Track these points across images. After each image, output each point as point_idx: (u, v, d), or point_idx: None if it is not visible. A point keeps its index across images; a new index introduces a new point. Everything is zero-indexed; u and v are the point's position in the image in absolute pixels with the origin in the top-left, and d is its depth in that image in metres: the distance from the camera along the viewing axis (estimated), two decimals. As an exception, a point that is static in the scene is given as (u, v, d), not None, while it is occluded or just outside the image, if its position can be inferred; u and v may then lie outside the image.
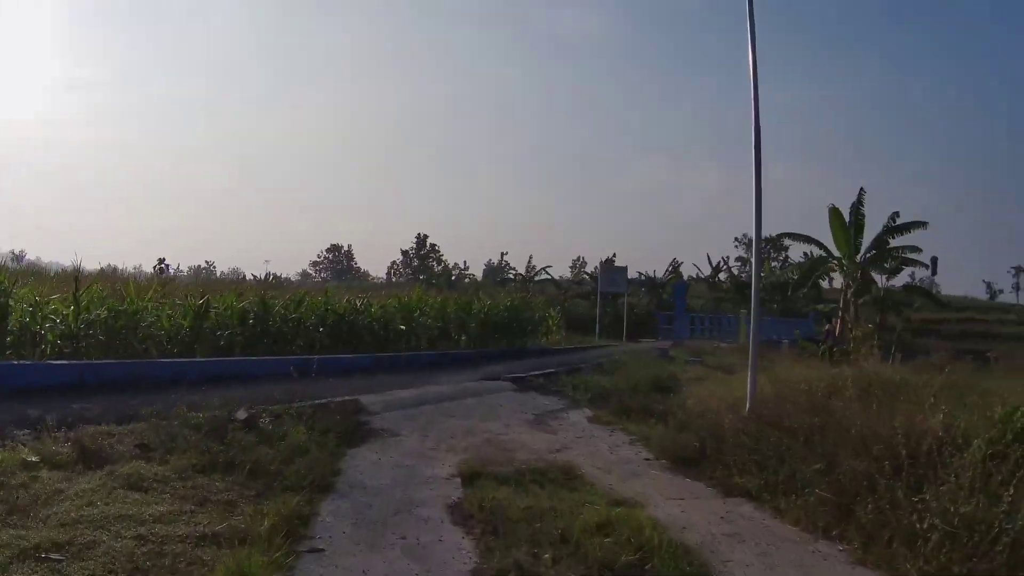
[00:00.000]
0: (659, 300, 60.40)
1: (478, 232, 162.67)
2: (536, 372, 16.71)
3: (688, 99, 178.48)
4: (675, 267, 63.81)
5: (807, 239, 33.05)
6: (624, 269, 34.50)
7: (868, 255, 30.39)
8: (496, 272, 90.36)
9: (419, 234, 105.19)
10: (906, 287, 32.92)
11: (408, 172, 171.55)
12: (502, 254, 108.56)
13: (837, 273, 32.33)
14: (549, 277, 69.79)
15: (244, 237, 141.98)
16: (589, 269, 72.68)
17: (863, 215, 29.33)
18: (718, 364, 21.42)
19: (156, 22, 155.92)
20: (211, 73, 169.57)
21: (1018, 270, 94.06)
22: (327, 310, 17.25)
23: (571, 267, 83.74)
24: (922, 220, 29.85)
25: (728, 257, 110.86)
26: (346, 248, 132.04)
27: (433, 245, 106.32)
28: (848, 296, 32.90)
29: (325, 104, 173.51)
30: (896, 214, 29.49)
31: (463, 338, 21.75)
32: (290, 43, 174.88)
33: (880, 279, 33.13)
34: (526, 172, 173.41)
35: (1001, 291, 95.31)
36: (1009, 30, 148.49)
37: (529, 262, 72.74)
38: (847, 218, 29.28)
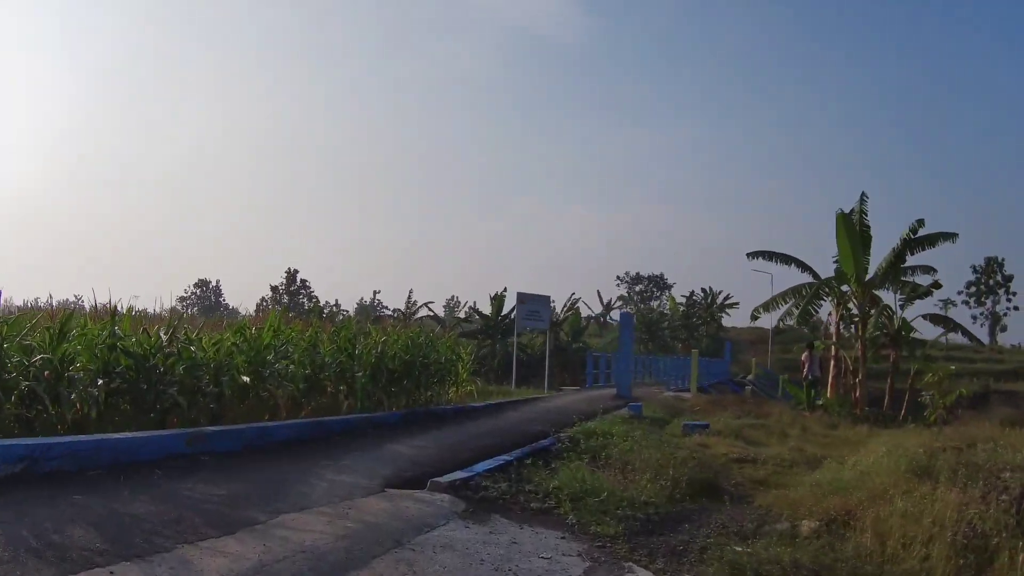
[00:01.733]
0: (556, 341, 54.24)
1: (349, 270, 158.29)
2: (483, 464, 9.26)
3: (558, 140, 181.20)
4: (572, 303, 57.43)
5: (787, 258, 26.85)
6: (547, 299, 27.51)
7: (879, 274, 24.19)
8: (369, 311, 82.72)
9: (289, 268, 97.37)
10: (933, 316, 26.61)
11: (279, 206, 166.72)
12: (375, 292, 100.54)
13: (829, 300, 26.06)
14: (432, 314, 62.63)
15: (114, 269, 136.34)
16: (462, 309, 65.67)
17: (868, 226, 23.19)
18: (729, 429, 14.79)
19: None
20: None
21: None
22: (114, 349, 9.40)
23: (445, 306, 75.94)
24: (950, 231, 23.95)
25: (613, 297, 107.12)
26: (214, 283, 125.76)
27: (304, 281, 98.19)
28: (839, 327, 26.95)
29: (194, 131, 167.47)
30: (920, 222, 23.21)
31: (343, 393, 14.19)
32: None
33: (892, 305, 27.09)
34: (394, 209, 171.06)
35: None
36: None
37: (409, 297, 65.25)
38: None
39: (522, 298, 25.44)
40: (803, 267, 26.35)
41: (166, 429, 9.24)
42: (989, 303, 76.99)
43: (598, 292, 70.53)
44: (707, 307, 74.49)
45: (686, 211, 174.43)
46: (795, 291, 25.39)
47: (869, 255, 23.67)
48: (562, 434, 12.37)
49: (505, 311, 58.00)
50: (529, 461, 9.63)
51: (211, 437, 8.97)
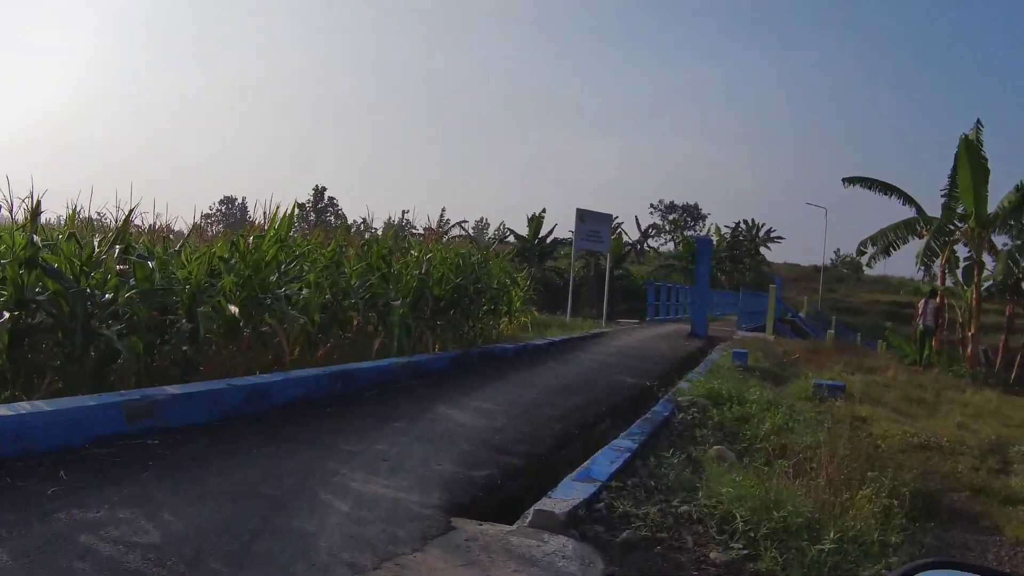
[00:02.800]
0: (596, 268, 50.97)
1: (379, 192, 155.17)
2: (601, 461, 5.69)
3: (583, 73, 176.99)
4: (616, 227, 53.66)
5: (888, 187, 22.97)
6: (609, 217, 23.85)
7: (1001, 214, 20.29)
8: (398, 230, 79.01)
9: (317, 186, 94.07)
10: None
11: (309, 126, 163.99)
12: (403, 211, 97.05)
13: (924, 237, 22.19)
14: (465, 233, 59.10)
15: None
16: (493, 231, 61.87)
17: (986, 158, 19.29)
18: (866, 394, 11.36)
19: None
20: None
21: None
22: (34, 266, 5.97)
23: (474, 228, 71.82)
24: None
25: (656, 224, 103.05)
26: (240, 200, 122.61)
27: (332, 198, 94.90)
28: (944, 272, 23.17)
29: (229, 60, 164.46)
30: None
31: (373, 326, 10.80)
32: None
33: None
34: (425, 132, 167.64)
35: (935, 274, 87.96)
36: None
37: (441, 216, 61.63)
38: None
39: (582, 215, 21.89)
40: (907, 199, 22.54)
41: (104, 392, 5.83)
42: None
43: (636, 219, 66.45)
44: (751, 240, 70.11)
45: (723, 146, 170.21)
46: (907, 225, 21.42)
47: (987, 190, 19.82)
48: (674, 395, 8.90)
49: (542, 233, 54.61)
50: (658, 449, 6.24)
51: (165, 406, 5.59)
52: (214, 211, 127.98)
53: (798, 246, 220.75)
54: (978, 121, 20.18)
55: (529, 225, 54.49)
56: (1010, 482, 7.13)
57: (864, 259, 23.63)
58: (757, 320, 31.60)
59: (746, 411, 8.00)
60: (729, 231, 67.58)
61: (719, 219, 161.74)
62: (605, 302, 24.79)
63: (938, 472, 7.08)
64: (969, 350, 20.57)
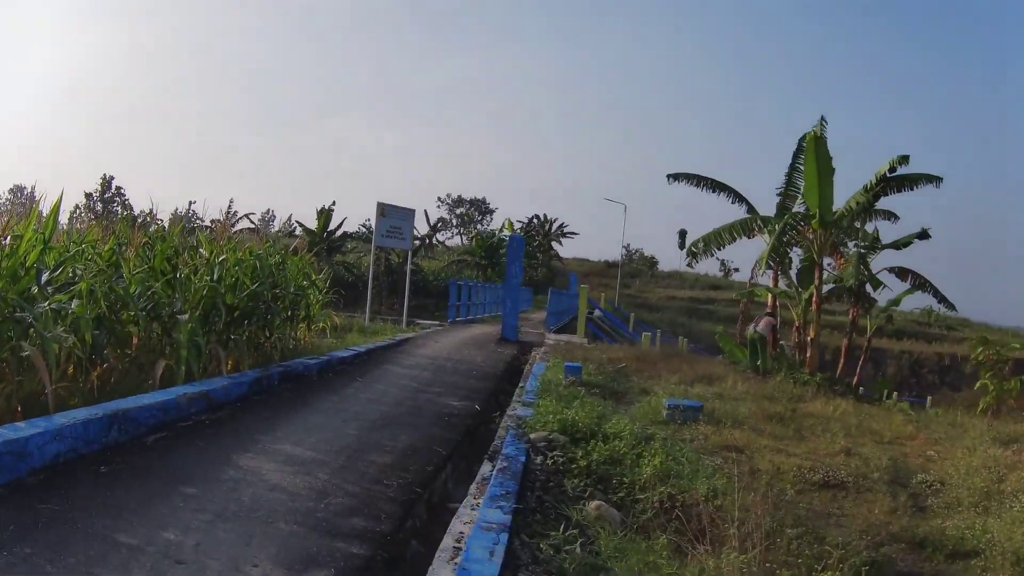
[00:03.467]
0: (386, 263, 49.80)
1: (169, 182, 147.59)
2: (475, 546, 4.47)
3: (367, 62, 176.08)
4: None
5: (718, 185, 22.67)
6: (412, 213, 22.53)
7: (847, 214, 20.07)
8: (184, 222, 73.00)
9: (104, 175, 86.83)
10: (900, 271, 22.53)
11: (99, 110, 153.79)
12: (190, 202, 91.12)
13: (762, 235, 21.78)
14: (252, 226, 56.17)
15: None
16: (280, 224, 59.07)
17: (830, 156, 19.15)
18: (722, 412, 10.74)
19: None
20: None
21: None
22: None
23: (260, 220, 68.20)
24: (934, 173, 19.91)
25: (444, 218, 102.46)
26: (29, 189, 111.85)
27: (119, 188, 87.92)
28: (777, 274, 23.13)
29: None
30: (904, 159, 19.11)
31: (158, 344, 9.06)
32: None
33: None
34: (210, 118, 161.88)
35: (737, 269, 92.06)
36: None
37: (229, 207, 58.16)
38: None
39: (382, 210, 20.52)
40: (737, 197, 22.38)
41: None
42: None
43: (425, 213, 65.48)
44: (545, 234, 70.78)
45: (511, 140, 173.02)
46: (743, 226, 21.01)
47: (831, 190, 19.77)
48: (521, 429, 7.80)
49: (332, 226, 52.70)
50: (531, 516, 5.13)
51: None
52: (2, 200, 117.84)
53: (589, 242, 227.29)
54: (822, 118, 20.01)
55: (318, 218, 52.37)
56: (940, 525, 6.33)
57: (691, 260, 22.92)
58: (561, 319, 31.31)
59: (614, 449, 6.98)
60: (522, 226, 67.79)
61: (507, 214, 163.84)
62: (406, 303, 23.58)
63: (856, 520, 6.23)
64: (808, 355, 20.47)
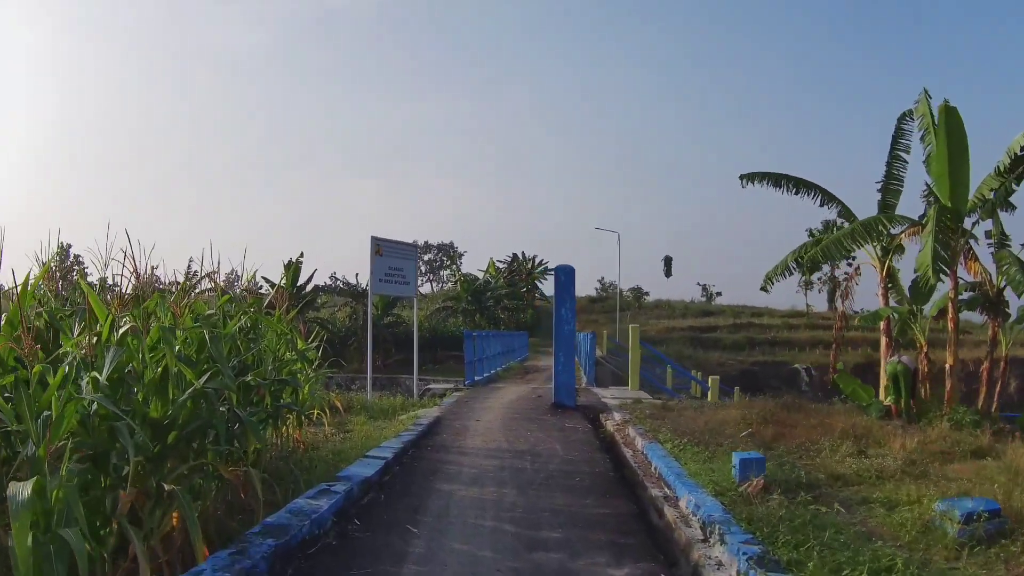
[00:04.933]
0: (364, 314, 44.75)
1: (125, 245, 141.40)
2: None
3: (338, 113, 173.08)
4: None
5: (800, 183, 17.89)
6: (414, 250, 17.41)
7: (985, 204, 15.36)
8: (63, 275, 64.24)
9: (61, 243, 79.99)
10: None
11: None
12: (65, 245, 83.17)
13: (872, 245, 17.05)
14: (212, 285, 50.44)
15: None
16: (243, 283, 53.46)
17: (964, 132, 14.49)
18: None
19: None
20: None
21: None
22: None
23: (224, 281, 61.74)
24: None
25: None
26: None
27: (78, 256, 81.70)
28: (886, 287, 18.07)
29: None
30: None
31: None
32: None
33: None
34: (166, 182, 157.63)
35: (719, 293, 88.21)
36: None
37: (189, 267, 52.13)
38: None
39: (379, 247, 15.44)
40: (827, 197, 17.66)
41: None
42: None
43: None
44: (527, 273, 65.62)
45: (475, 183, 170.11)
46: (867, 230, 15.79)
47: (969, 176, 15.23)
48: None
49: (301, 280, 47.44)
50: None
51: None
52: None
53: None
54: (925, 91, 15.74)
55: (286, 272, 47.07)
56: None
57: (767, 285, 18.35)
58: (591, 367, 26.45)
59: None
60: (505, 265, 62.74)
61: (475, 258, 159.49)
62: (416, 366, 18.42)
63: None
64: (948, 387, 15.38)
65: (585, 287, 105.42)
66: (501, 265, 61.32)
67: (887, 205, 17.58)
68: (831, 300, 71.21)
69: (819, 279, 68.64)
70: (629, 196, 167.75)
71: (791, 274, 18.46)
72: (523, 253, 66.69)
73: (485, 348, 22.99)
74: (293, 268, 46.01)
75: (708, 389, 18.28)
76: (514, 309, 57.94)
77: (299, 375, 9.77)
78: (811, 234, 68.17)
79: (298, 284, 46.89)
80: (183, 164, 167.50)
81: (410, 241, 16.88)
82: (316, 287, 48.51)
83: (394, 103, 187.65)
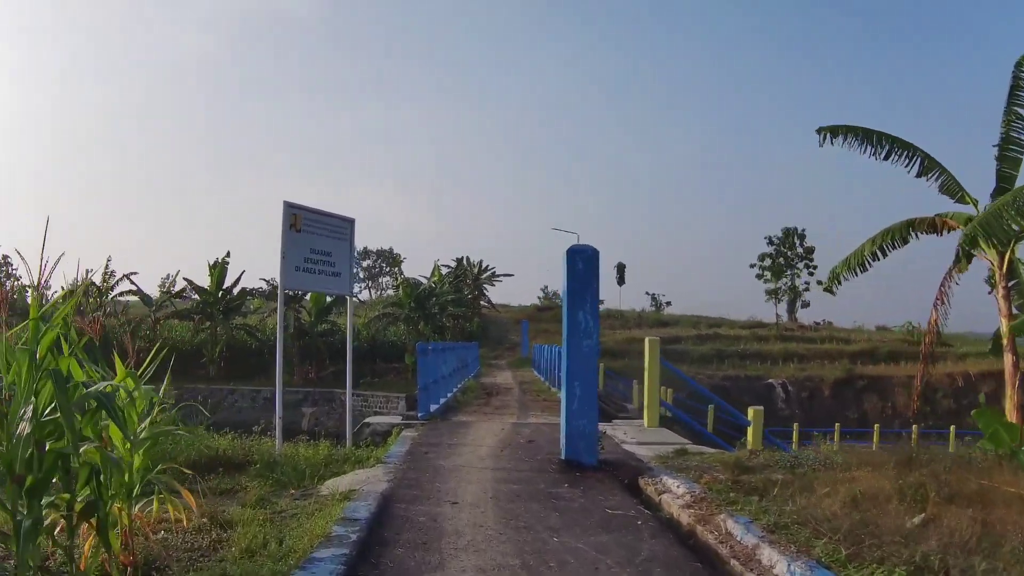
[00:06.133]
0: (296, 323, 39.50)
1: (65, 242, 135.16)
2: None
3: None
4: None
5: (898, 144, 13.45)
6: (348, 225, 11.76)
7: None
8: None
9: None
10: None
11: None
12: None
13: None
14: (134, 288, 44.83)
15: None
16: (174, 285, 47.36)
17: None
18: None
19: None
20: None
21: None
22: None
23: (160, 286, 53.47)
24: None
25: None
26: None
27: (6, 256, 74.44)
28: (1008, 291, 13.37)
29: None
30: None
31: None
32: None
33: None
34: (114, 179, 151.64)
35: (669, 303, 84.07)
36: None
37: (107, 266, 46.23)
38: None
39: (294, 215, 10.01)
40: (929, 165, 13.27)
41: None
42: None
43: None
44: (474, 278, 60.02)
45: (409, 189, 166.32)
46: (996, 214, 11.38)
47: None
48: None
49: (228, 283, 42.02)
50: None
51: None
52: None
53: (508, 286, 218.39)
54: None
55: (211, 273, 41.56)
56: None
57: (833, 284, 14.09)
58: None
59: None
60: (451, 271, 57.30)
61: (414, 265, 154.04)
62: (349, 401, 13.13)
63: None
64: None
65: (528, 296, 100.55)
66: (446, 270, 55.75)
67: (1004, 175, 13.07)
68: (791, 310, 67.48)
69: (779, 289, 64.76)
70: (576, 203, 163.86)
71: (864, 270, 14.11)
72: (467, 258, 61.25)
73: (440, 366, 17.76)
74: (218, 268, 40.64)
75: (749, 424, 13.39)
76: (460, 317, 52.69)
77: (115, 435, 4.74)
78: (770, 241, 65.33)
79: (224, 287, 41.51)
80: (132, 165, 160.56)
81: (344, 215, 11.54)
82: (244, 290, 43.14)
83: (337, 109, 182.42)
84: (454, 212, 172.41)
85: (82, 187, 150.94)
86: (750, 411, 13.95)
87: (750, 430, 13.75)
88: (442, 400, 17.24)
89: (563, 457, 9.80)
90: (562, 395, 10.10)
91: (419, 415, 14.45)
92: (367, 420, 13.96)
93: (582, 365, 9.77)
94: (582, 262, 9.81)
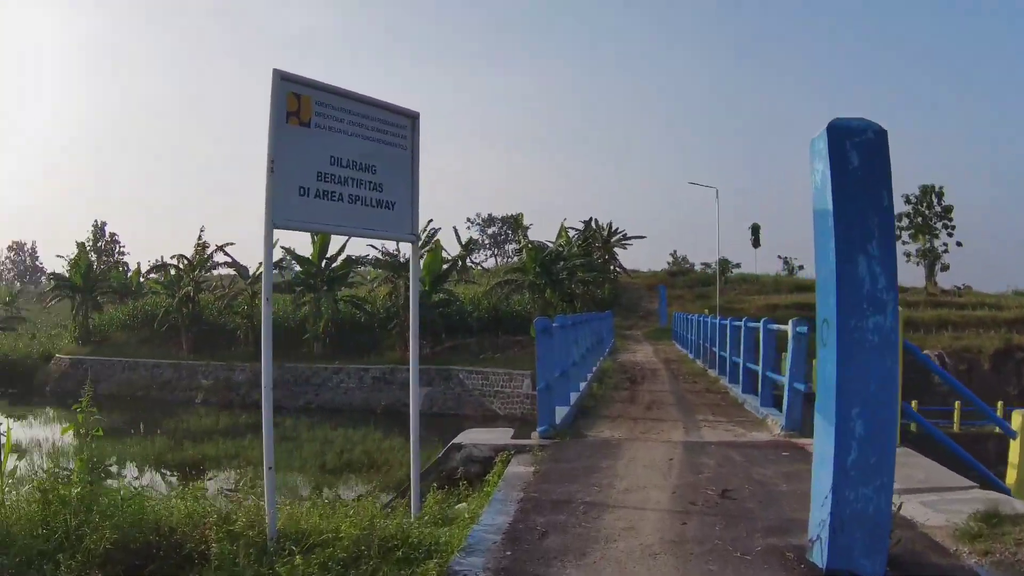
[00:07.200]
0: (406, 290, 35.26)
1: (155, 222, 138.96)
2: None
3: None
4: (430, 236, 37.05)
5: None
6: (411, 122, 6.88)
7: None
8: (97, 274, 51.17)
9: (96, 221, 73.59)
10: None
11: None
12: (98, 223, 73.29)
13: None
14: (229, 260, 41.95)
15: None
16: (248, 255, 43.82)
17: None
18: None
19: None
20: None
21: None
22: None
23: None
24: None
25: (475, 239, 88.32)
26: (30, 245, 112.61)
27: (113, 235, 74.30)
28: None
29: None
30: None
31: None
32: None
33: None
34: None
35: (801, 267, 76.67)
36: None
37: (200, 238, 43.62)
38: None
39: (294, 99, 5.42)
40: None
41: None
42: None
43: (455, 230, 48.58)
44: (604, 242, 54.31)
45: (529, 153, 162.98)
46: None
47: None
48: None
49: (332, 252, 38.39)
50: None
51: None
52: (3, 259, 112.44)
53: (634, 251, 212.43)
54: None
55: (314, 244, 37.96)
56: None
57: None
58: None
59: None
60: (579, 233, 52.01)
61: (537, 232, 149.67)
62: (414, 404, 8.33)
63: None
64: None
65: (656, 261, 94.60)
66: (573, 233, 50.43)
67: None
68: (929, 274, 59.72)
69: (918, 251, 57.33)
70: (706, 161, 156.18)
71: None
72: (595, 220, 55.57)
73: (569, 349, 12.74)
74: (322, 236, 36.77)
75: (1014, 435, 8.09)
76: (590, 283, 47.48)
77: None
78: (907, 200, 57.93)
79: (327, 256, 37.90)
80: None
81: (397, 105, 6.58)
82: (349, 258, 39.51)
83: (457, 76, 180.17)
84: (579, 175, 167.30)
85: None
86: (1016, 416, 8.60)
87: (1016, 447, 8.46)
88: (572, 396, 12.21)
89: (820, 564, 4.67)
90: (819, 430, 4.89)
91: (538, 429, 9.45)
92: (459, 440, 9.07)
93: (867, 371, 4.57)
94: (858, 154, 4.60)
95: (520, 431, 10.31)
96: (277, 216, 5.51)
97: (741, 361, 14.25)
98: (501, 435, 9.64)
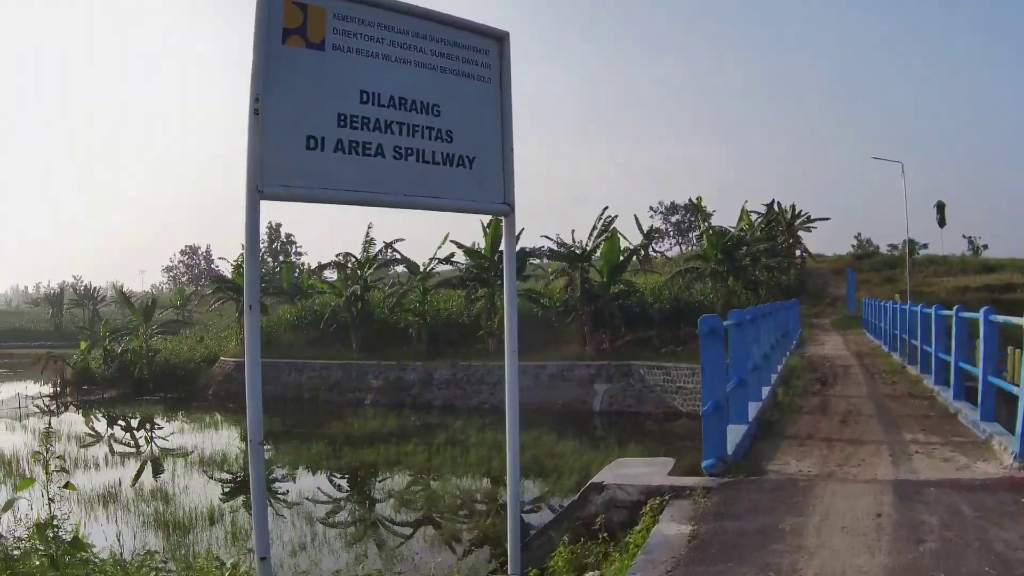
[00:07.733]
0: (584, 282, 34.39)
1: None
2: None
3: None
4: (607, 224, 34.91)
5: None
6: (499, 45, 5.14)
7: None
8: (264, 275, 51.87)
9: (270, 222, 76.92)
10: None
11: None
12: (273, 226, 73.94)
13: None
14: (398, 256, 41.33)
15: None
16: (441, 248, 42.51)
17: None
18: None
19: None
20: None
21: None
22: None
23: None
24: None
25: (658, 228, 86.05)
26: (204, 249, 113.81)
27: (290, 236, 77.16)
28: None
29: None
30: None
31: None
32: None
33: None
34: None
35: (986, 246, 71.44)
36: None
37: (367, 235, 42.93)
38: None
39: (293, 7, 3.90)
40: None
41: None
42: None
43: (636, 218, 45.84)
44: (788, 226, 50.11)
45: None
46: None
47: None
48: None
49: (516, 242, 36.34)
50: None
51: None
52: (176, 263, 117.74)
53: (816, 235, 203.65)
54: None
55: (486, 234, 36.54)
56: None
57: None
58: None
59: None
60: (761, 217, 48.18)
61: (725, 216, 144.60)
62: (511, 416, 6.31)
63: None
64: None
65: (839, 243, 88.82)
66: (755, 216, 46.78)
67: None
68: None
69: None
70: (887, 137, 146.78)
71: None
72: (778, 203, 51.52)
73: (748, 350, 10.35)
74: (494, 227, 35.34)
75: None
76: (775, 269, 43.96)
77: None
78: None
79: (500, 248, 36.32)
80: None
81: (471, 21, 4.70)
82: (524, 250, 37.92)
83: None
84: (757, 158, 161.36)
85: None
86: None
87: None
88: (752, 408, 9.83)
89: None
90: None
91: (704, 463, 7.20)
92: (601, 479, 6.90)
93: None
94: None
95: (686, 458, 8.10)
96: (267, 179, 3.64)
97: (952, 360, 11.45)
98: (658, 470, 7.39)
